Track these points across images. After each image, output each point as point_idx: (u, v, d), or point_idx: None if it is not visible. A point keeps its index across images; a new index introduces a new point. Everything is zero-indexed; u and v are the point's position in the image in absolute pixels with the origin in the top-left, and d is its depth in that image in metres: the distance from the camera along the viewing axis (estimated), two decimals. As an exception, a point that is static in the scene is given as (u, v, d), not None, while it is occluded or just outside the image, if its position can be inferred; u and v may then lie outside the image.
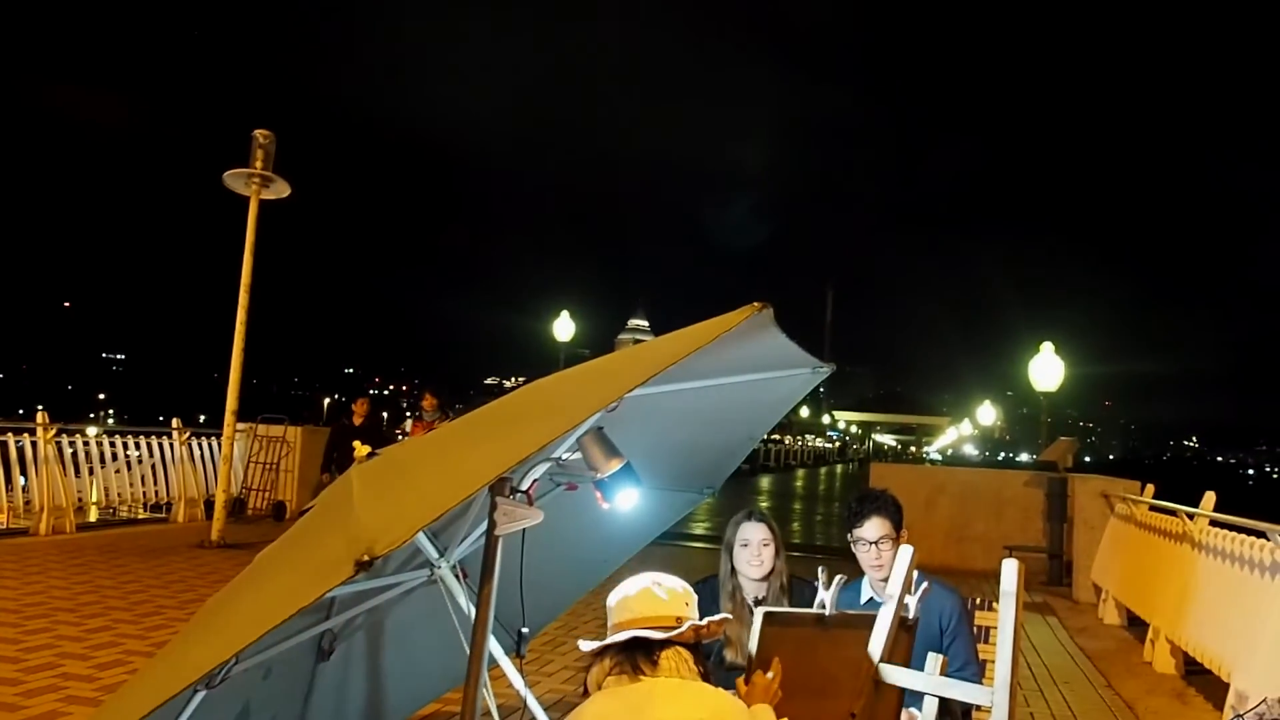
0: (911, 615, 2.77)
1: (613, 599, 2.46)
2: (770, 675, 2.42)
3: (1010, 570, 2.43)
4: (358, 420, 11.60)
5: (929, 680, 2.60)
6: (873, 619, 2.87)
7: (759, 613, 2.60)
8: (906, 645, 2.79)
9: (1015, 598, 2.40)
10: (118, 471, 12.52)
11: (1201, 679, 6.56)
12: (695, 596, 2.49)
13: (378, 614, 3.52)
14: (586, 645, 2.42)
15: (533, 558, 2.76)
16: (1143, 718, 5.97)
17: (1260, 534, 5.79)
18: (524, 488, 2.51)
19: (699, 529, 14.88)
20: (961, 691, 2.65)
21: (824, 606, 2.70)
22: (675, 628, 2.34)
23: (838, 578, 2.75)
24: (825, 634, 2.68)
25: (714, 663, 3.18)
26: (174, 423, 13.43)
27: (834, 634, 2.68)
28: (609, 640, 2.37)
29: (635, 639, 2.33)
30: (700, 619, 2.42)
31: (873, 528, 3.45)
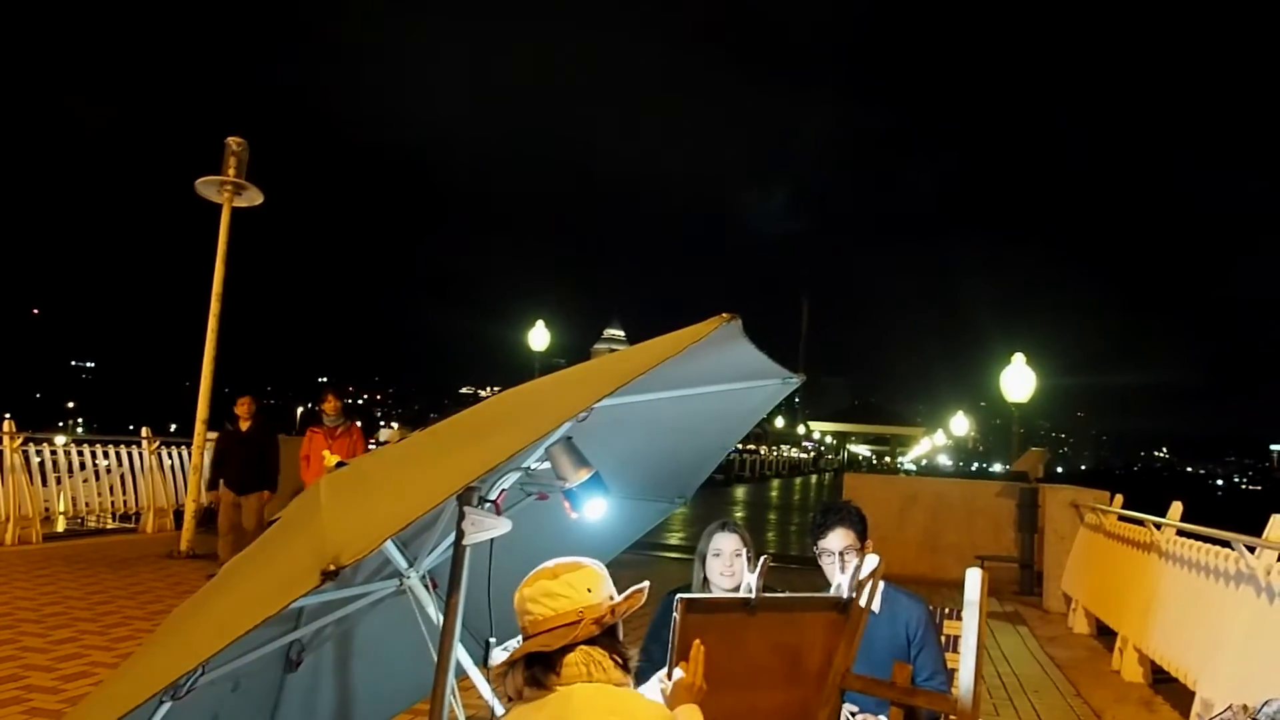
0: (848, 596, 2.72)
1: (516, 597, 2.31)
2: (691, 666, 2.29)
3: (974, 579, 2.45)
4: (244, 425, 9.93)
5: (895, 689, 2.61)
6: (801, 600, 2.84)
7: (677, 599, 2.45)
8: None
9: (978, 606, 2.42)
10: (86, 481, 12.40)
11: (1168, 687, 6.64)
12: (602, 573, 2.32)
13: (347, 624, 3.50)
14: (498, 658, 2.32)
15: (502, 568, 2.75)
16: (1110, 726, 6.03)
17: (1225, 544, 5.86)
18: (492, 497, 2.51)
19: (673, 539, 14.90)
20: (927, 700, 2.67)
21: (750, 591, 2.59)
22: (576, 622, 2.20)
23: (762, 559, 2.64)
24: (753, 620, 2.57)
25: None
26: (144, 432, 13.32)
27: (762, 619, 2.58)
28: (511, 656, 2.26)
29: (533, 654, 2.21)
30: (618, 600, 2.28)
31: (836, 539, 3.46)
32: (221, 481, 9.93)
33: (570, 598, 2.23)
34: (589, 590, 2.26)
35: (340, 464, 3.02)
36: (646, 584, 2.35)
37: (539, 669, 2.19)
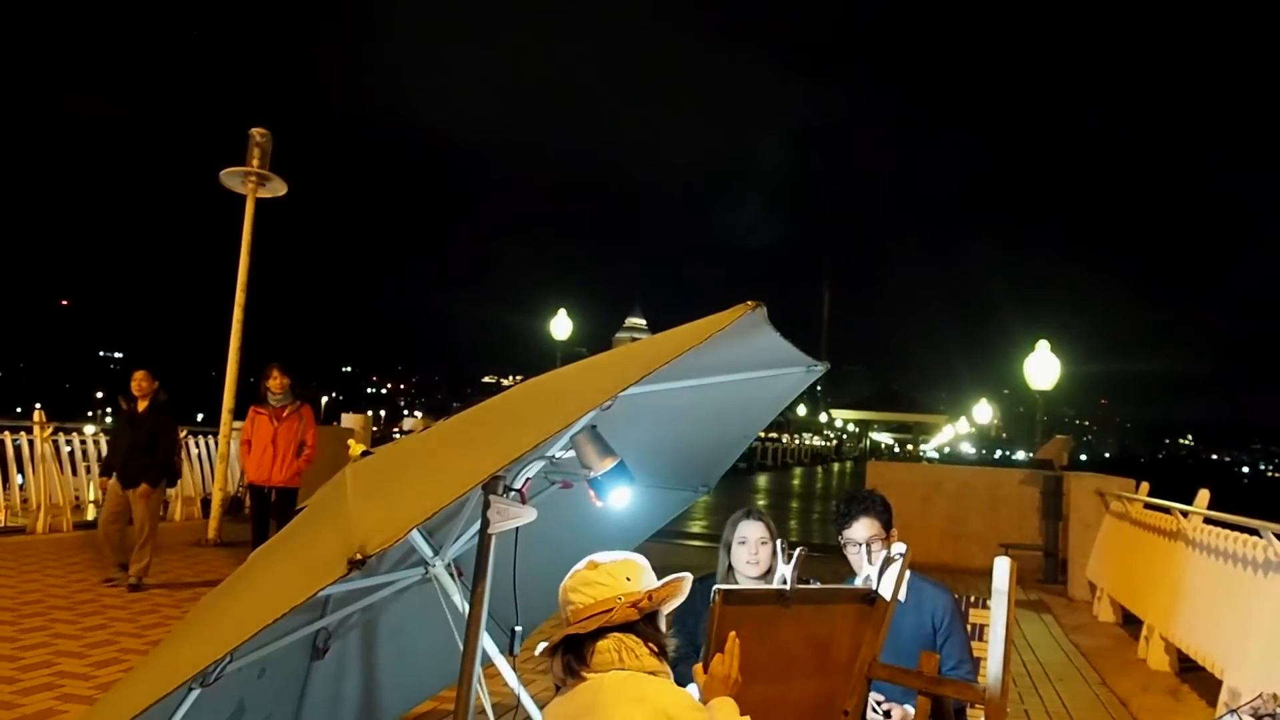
0: (877, 590, 2.71)
1: (560, 589, 2.35)
2: (727, 658, 2.29)
3: (1002, 568, 2.43)
4: (142, 405, 8.48)
5: (922, 678, 2.60)
6: (833, 592, 2.84)
7: (715, 589, 2.47)
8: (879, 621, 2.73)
9: (1007, 595, 2.40)
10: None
11: (1195, 676, 6.59)
12: (643, 565, 2.36)
13: (372, 612, 3.53)
14: (541, 648, 2.35)
15: (527, 556, 2.76)
16: (1136, 715, 5.99)
17: (1253, 531, 5.81)
18: (517, 486, 2.52)
19: (696, 527, 14.90)
20: (955, 689, 2.66)
21: (784, 582, 2.60)
22: (612, 609, 2.23)
23: (798, 550, 2.64)
24: (786, 612, 2.58)
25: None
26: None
27: (795, 611, 2.59)
28: (550, 644, 2.31)
29: (567, 638, 2.25)
30: (656, 587, 2.31)
31: (861, 529, 3.44)
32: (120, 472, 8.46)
33: (609, 585, 2.27)
34: (628, 579, 2.29)
35: (365, 453, 3.03)
36: (689, 575, 2.37)
37: (573, 657, 2.23)
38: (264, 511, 8.70)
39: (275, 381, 8.67)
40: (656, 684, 2.18)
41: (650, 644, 2.24)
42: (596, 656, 2.20)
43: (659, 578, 2.37)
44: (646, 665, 2.20)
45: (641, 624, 2.26)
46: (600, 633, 2.22)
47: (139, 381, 8.59)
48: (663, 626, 2.35)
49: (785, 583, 2.59)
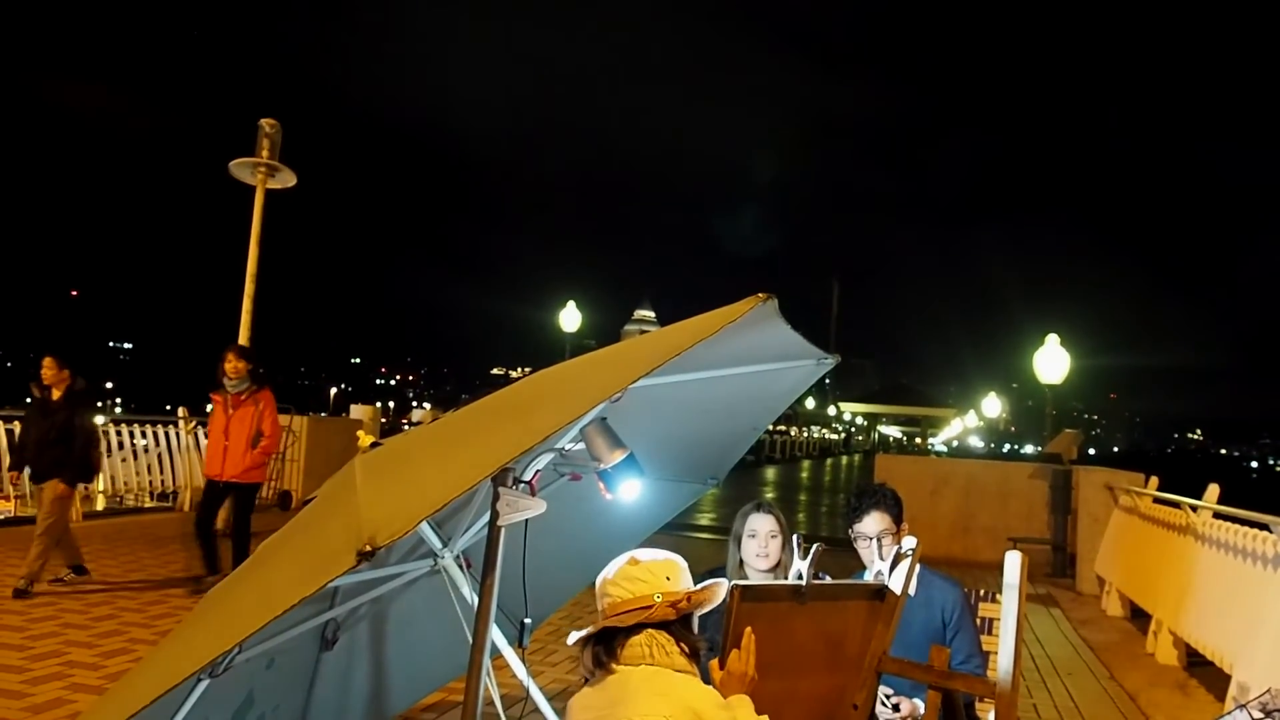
0: (888, 585, 2.70)
1: (598, 581, 2.38)
2: (743, 655, 2.32)
3: (1013, 562, 2.42)
4: (56, 394, 7.63)
5: (932, 672, 2.59)
6: (849, 587, 2.83)
7: (732, 586, 2.45)
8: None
9: (1018, 590, 2.39)
10: (124, 460, 12.53)
11: (1203, 670, 6.58)
12: (682, 565, 2.38)
13: (381, 603, 3.53)
14: (573, 638, 2.36)
15: (536, 548, 2.76)
16: (1145, 709, 5.98)
17: (1263, 526, 5.79)
18: (527, 478, 2.52)
19: (704, 520, 14.91)
20: (965, 683, 2.65)
21: (799, 577, 2.59)
22: (651, 606, 2.25)
23: (814, 546, 2.63)
24: (801, 608, 2.57)
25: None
26: (180, 411, 13.44)
27: (810, 607, 2.58)
28: (586, 632, 2.33)
29: (604, 630, 2.28)
30: (695, 590, 2.34)
31: (872, 523, 3.43)
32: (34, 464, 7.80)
33: (649, 583, 2.29)
34: (668, 579, 2.31)
35: (375, 444, 3.03)
36: (723, 581, 2.39)
37: (603, 649, 2.25)
38: (211, 508, 8.02)
39: (230, 364, 7.89)
40: (684, 680, 2.20)
41: (682, 644, 2.26)
42: (627, 650, 2.23)
43: (645, 559, 2.39)
44: (677, 664, 2.22)
45: (675, 624, 2.29)
46: (635, 628, 2.25)
47: (46, 369, 7.71)
48: (694, 627, 2.37)
49: (800, 578, 2.59)
